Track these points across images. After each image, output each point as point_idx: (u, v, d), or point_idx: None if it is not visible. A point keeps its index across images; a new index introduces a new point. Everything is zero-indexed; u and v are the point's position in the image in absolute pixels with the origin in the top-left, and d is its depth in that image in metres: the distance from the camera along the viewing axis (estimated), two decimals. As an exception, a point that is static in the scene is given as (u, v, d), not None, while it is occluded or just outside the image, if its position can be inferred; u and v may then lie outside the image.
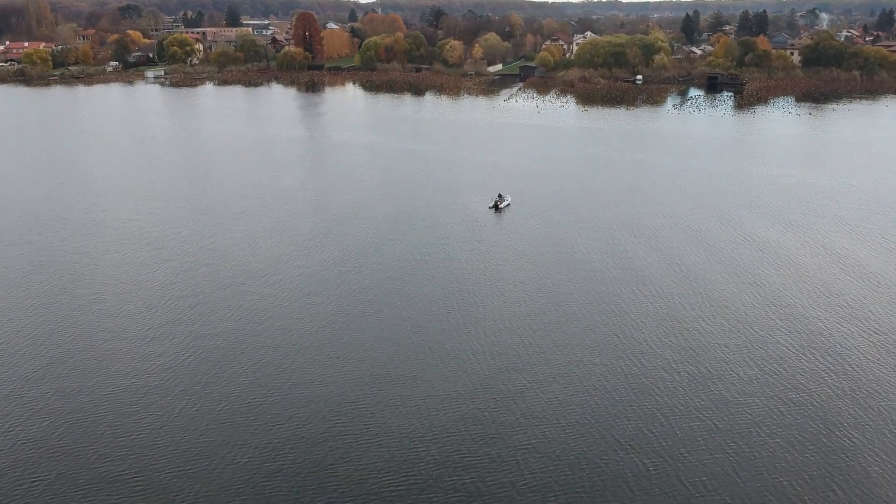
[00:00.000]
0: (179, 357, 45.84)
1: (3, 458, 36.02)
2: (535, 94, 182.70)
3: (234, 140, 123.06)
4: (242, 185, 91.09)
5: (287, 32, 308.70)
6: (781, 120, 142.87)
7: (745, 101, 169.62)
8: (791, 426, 38.32)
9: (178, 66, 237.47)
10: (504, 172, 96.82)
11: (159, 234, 70.62)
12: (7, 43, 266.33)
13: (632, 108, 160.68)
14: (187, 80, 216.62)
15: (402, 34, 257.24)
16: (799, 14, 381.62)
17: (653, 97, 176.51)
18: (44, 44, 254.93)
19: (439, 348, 46.72)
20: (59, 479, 34.46)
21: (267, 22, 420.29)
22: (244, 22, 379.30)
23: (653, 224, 72.98)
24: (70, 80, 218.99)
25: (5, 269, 61.50)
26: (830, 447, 36.66)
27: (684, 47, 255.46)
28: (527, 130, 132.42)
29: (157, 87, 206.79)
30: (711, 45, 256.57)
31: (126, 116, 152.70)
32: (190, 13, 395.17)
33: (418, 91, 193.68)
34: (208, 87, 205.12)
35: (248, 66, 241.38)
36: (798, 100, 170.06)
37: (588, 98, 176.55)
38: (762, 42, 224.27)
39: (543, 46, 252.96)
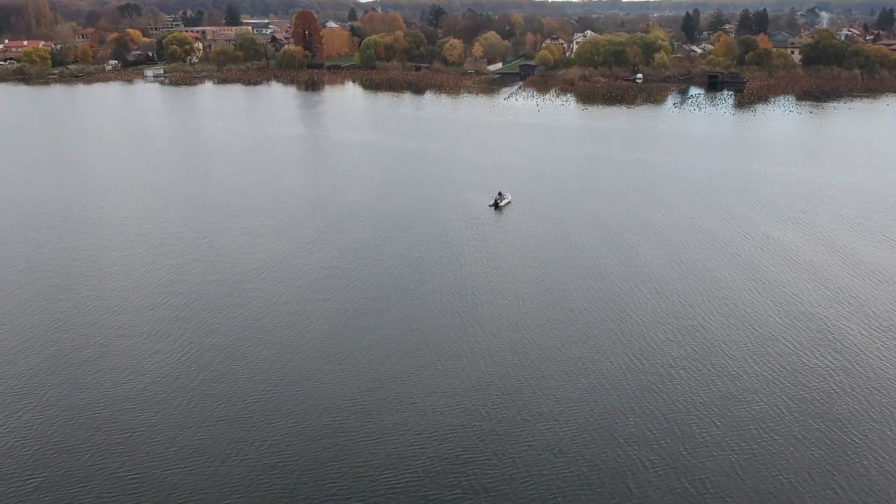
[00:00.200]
0: (179, 354, 45.60)
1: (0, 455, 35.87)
2: (535, 93, 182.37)
3: (233, 139, 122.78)
4: (242, 183, 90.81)
5: (287, 31, 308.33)
6: (782, 118, 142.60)
7: (746, 99, 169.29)
8: (796, 422, 38.08)
9: (177, 64, 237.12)
10: (504, 171, 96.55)
11: (158, 232, 70.34)
12: (6, 42, 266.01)
13: (632, 106, 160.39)
14: (187, 79, 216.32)
15: (401, 33, 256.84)
16: (799, 13, 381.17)
17: (653, 96, 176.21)
18: (43, 42, 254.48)
19: (440, 346, 46.47)
20: (58, 476, 34.23)
21: (266, 21, 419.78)
22: (244, 21, 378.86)
23: (653, 222, 72.72)
24: (69, 78, 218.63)
25: (2, 267, 61.23)
26: (836, 443, 36.43)
27: (684, 46, 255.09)
28: (527, 129, 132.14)
29: (156, 85, 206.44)
30: (712, 44, 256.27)
31: (125, 115, 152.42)
32: (189, 12, 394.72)
33: (418, 90, 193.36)
34: (208, 86, 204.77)
35: (247, 64, 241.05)
36: (798, 98, 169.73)
37: (588, 97, 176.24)
38: (763, 41, 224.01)
39: (543, 45, 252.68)
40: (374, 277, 58.21)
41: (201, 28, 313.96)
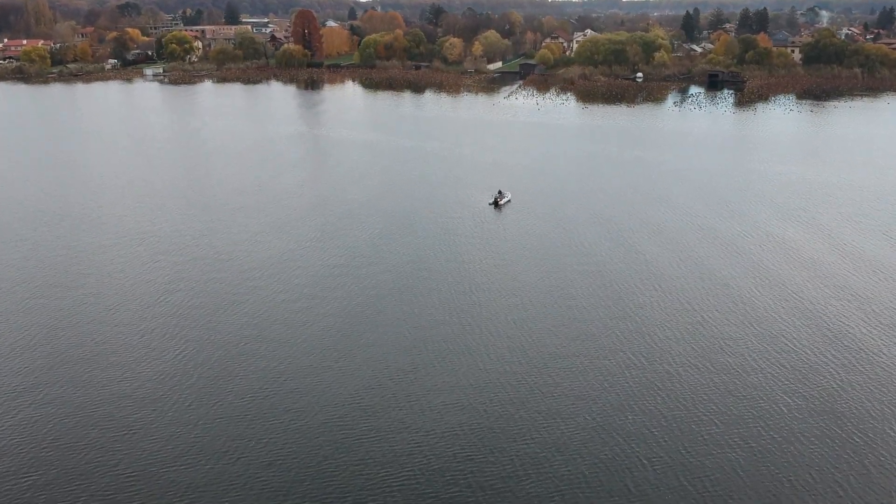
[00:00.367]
0: (178, 353, 45.34)
1: (-4, 456, 35.61)
2: (534, 92, 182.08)
3: (233, 138, 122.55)
4: (242, 182, 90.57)
5: (286, 30, 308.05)
6: (782, 117, 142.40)
7: (746, 98, 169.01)
8: (798, 418, 37.83)
9: (176, 63, 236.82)
10: (504, 169, 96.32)
11: (157, 231, 70.11)
12: (5, 41, 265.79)
13: (632, 105, 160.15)
14: (186, 78, 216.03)
15: (401, 32, 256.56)
16: (799, 12, 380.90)
17: (653, 95, 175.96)
18: (42, 42, 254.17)
19: (439, 344, 46.23)
20: (55, 474, 33.97)
21: (266, 20, 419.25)
22: (243, 20, 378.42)
23: (654, 220, 72.49)
24: (68, 77, 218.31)
25: (0, 265, 60.94)
26: (839, 440, 36.17)
27: (684, 45, 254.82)
28: (526, 128, 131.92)
29: (155, 84, 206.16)
30: (712, 43, 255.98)
31: (124, 114, 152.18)
32: (189, 11, 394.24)
33: (418, 89, 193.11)
34: (207, 85, 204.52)
35: (247, 63, 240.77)
36: (799, 97, 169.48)
37: (588, 95, 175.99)
38: (763, 39, 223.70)
39: (543, 44, 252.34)
40: (374, 276, 57.96)
41: (201, 27, 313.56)
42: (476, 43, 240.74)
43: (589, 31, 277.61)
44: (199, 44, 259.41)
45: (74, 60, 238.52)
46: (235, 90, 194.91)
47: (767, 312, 51.01)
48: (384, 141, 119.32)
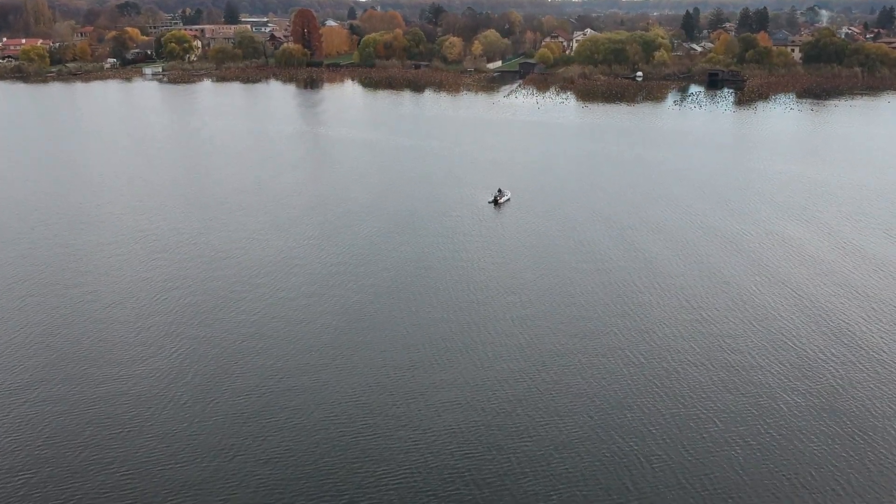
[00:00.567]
0: (176, 352, 45.03)
1: (-10, 454, 35.31)
2: (534, 91, 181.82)
3: (232, 137, 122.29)
4: (241, 182, 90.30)
5: (286, 29, 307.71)
6: (783, 116, 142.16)
7: (746, 97, 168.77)
8: (804, 415, 37.55)
9: (176, 62, 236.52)
10: (504, 168, 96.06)
11: (156, 230, 69.81)
12: (4, 40, 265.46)
13: (632, 104, 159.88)
14: (185, 77, 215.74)
15: (400, 31, 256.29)
16: (799, 12, 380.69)
17: (653, 94, 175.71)
18: (41, 41, 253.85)
19: (438, 342, 45.93)
20: (52, 474, 33.66)
21: (266, 19, 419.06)
22: (243, 19, 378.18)
23: (654, 218, 72.20)
24: (67, 76, 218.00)
25: (-3, 263, 60.80)
26: (847, 439, 35.88)
27: (684, 44, 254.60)
28: (526, 127, 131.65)
29: (154, 83, 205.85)
30: (712, 42, 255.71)
31: (123, 113, 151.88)
32: (188, 10, 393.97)
33: (417, 88, 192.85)
34: (206, 84, 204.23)
35: (246, 62, 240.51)
36: (799, 96, 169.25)
37: (588, 95, 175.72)
38: (763, 39, 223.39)
39: (543, 43, 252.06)
40: (373, 274, 57.66)
41: (200, 26, 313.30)
42: (476, 42, 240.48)
43: (589, 31, 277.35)
44: (198, 43, 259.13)
45: (73, 60, 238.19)
46: (235, 89, 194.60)
47: (768, 310, 50.70)
48: (383, 140, 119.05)
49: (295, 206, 77.97)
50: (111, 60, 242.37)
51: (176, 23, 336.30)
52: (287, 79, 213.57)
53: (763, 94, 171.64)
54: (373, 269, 58.68)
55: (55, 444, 36.00)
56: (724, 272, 57.91)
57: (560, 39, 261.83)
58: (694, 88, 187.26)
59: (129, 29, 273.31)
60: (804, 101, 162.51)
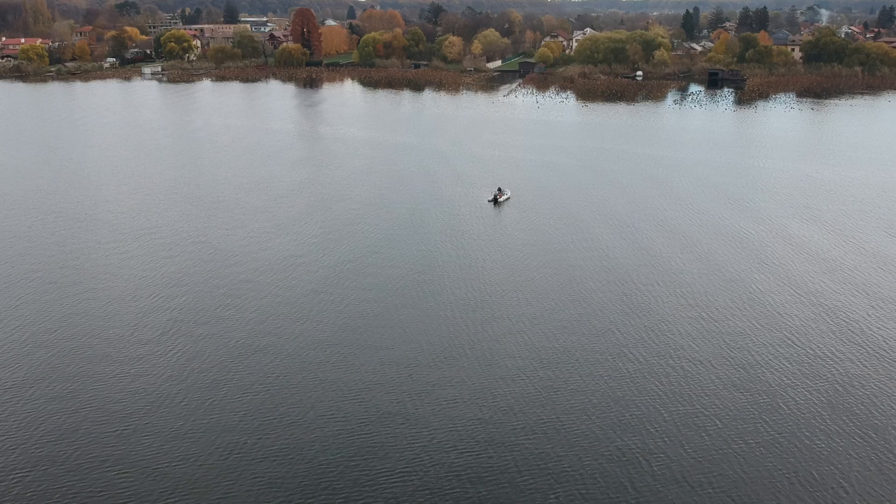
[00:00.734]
0: (175, 352, 44.69)
1: (-15, 455, 34.94)
2: (534, 91, 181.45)
3: (232, 136, 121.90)
4: (242, 181, 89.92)
5: (285, 29, 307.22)
6: (783, 115, 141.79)
7: (746, 96, 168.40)
8: (819, 415, 37.22)
9: (175, 62, 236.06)
10: (503, 167, 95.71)
11: (154, 228, 69.50)
12: (3, 39, 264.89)
13: (632, 103, 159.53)
14: (184, 77, 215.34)
15: (400, 30, 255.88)
16: (799, 11, 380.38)
17: (653, 93, 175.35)
18: (40, 40, 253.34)
19: (440, 343, 45.58)
20: (52, 477, 33.31)
21: (265, 19, 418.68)
22: (242, 19, 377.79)
23: (654, 217, 71.89)
24: (67, 76, 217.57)
25: (-6, 262, 60.44)
26: (859, 438, 35.55)
27: (684, 44, 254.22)
28: (526, 126, 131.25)
29: (154, 83, 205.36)
30: (712, 42, 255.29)
31: (122, 112, 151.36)
32: (188, 10, 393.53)
33: (417, 87, 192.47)
34: (206, 84, 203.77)
35: (245, 62, 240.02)
36: (799, 95, 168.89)
37: (588, 94, 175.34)
38: (763, 38, 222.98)
39: (543, 43, 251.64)
40: (374, 274, 57.32)
41: (199, 26, 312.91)
42: (475, 42, 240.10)
43: (588, 30, 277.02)
44: (197, 43, 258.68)
45: (72, 59, 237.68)
46: (234, 89, 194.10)
47: (773, 305, 50.40)
48: (383, 139, 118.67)
49: (294, 205, 77.61)
50: (110, 60, 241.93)
51: (175, 22, 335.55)
52: (286, 78, 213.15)
53: (763, 94, 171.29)
54: (373, 269, 58.33)
55: (53, 442, 35.64)
56: (728, 268, 57.57)
57: (560, 39, 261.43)
58: (694, 88, 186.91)
59: (128, 28, 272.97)
60: (804, 100, 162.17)
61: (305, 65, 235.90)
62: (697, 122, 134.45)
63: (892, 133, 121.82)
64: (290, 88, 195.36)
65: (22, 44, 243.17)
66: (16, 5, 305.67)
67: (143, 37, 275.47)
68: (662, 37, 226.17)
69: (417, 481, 32.88)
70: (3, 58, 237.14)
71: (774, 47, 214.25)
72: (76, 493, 32.26)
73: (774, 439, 35.81)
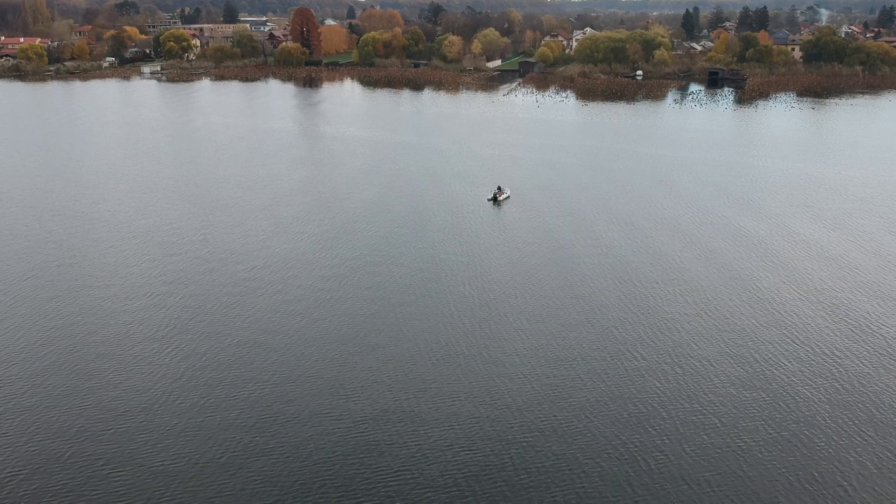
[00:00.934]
0: (178, 351, 44.32)
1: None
2: (534, 90, 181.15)
3: (232, 135, 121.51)
4: (241, 180, 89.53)
5: (285, 29, 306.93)
6: (784, 114, 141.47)
7: (747, 96, 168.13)
8: (835, 417, 36.89)
9: (174, 61, 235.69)
10: (503, 166, 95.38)
11: (152, 227, 69.12)
12: (2, 38, 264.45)
13: (632, 103, 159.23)
14: (184, 76, 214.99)
15: (400, 30, 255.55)
16: (799, 11, 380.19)
17: (653, 92, 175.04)
18: (39, 39, 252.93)
19: (443, 342, 45.21)
20: (54, 483, 32.98)
21: (264, 18, 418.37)
22: (242, 18, 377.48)
23: (654, 216, 71.56)
24: (66, 75, 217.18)
25: (-9, 261, 60.06)
26: (879, 442, 35.25)
27: (684, 43, 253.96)
28: (526, 125, 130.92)
29: (153, 82, 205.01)
30: (712, 41, 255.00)
31: (121, 111, 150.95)
32: (187, 10, 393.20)
33: (417, 87, 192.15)
34: (205, 83, 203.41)
35: (245, 61, 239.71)
36: (799, 95, 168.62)
37: (588, 93, 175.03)
38: (763, 37, 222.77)
39: (543, 42, 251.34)
40: (375, 274, 56.92)
41: (199, 26, 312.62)
42: (475, 41, 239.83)
43: (588, 30, 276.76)
44: (196, 42, 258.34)
45: (72, 58, 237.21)
46: (233, 88, 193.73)
47: (781, 304, 50.05)
48: (382, 138, 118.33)
49: (293, 204, 77.24)
50: (109, 59, 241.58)
51: (175, 22, 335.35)
52: (286, 77, 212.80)
53: (763, 93, 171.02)
54: (372, 267, 57.99)
55: (50, 441, 35.25)
56: (731, 266, 57.23)
57: (560, 38, 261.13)
58: (694, 87, 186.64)
59: (127, 28, 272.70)
60: (805, 99, 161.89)
61: (305, 64, 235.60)
62: (697, 121, 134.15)
63: (893, 132, 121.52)
64: (289, 88, 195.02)
65: (21, 43, 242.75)
66: (15, 5, 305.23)
67: (143, 36, 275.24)
68: (662, 36, 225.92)
69: (420, 479, 32.51)
70: (1, 57, 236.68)
71: (775, 47, 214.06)
72: (74, 492, 31.89)
73: (779, 436, 35.44)
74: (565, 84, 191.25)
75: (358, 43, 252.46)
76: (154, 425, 36.63)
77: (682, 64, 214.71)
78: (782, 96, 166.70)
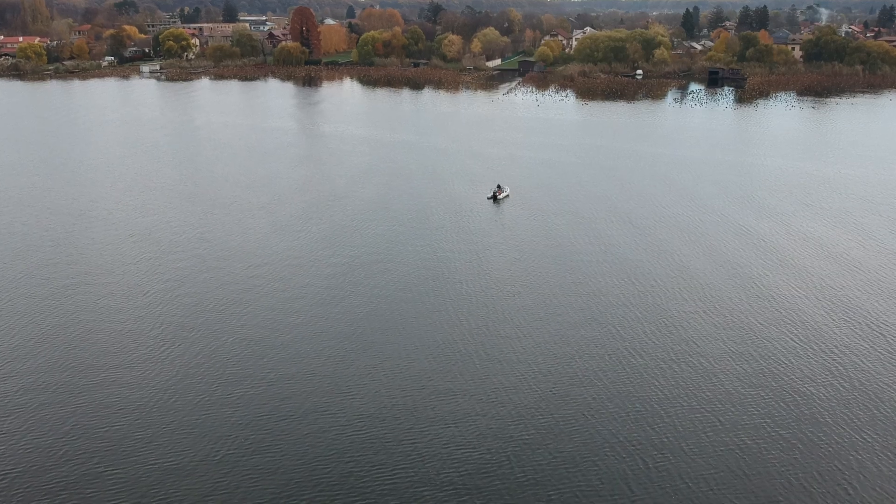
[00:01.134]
0: (178, 352, 44.02)
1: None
2: (534, 89, 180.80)
3: (231, 135, 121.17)
4: (241, 179, 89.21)
5: (284, 28, 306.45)
6: (784, 114, 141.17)
7: (747, 95, 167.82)
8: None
9: (173, 60, 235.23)
10: (503, 164, 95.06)
11: (152, 227, 68.84)
12: (1, 38, 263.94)
13: (632, 102, 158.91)
14: (183, 75, 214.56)
15: (399, 29, 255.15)
16: (799, 10, 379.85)
17: (653, 92, 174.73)
18: (38, 39, 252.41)
19: (445, 342, 44.94)
20: (52, 480, 32.66)
21: (264, 18, 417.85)
22: (241, 18, 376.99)
23: (656, 212, 71.27)
24: (65, 74, 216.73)
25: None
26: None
27: (685, 43, 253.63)
28: (526, 124, 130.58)
29: (152, 81, 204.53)
30: (712, 41, 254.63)
31: (121, 110, 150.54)
32: (187, 9, 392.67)
33: (416, 86, 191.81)
34: (204, 82, 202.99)
35: (244, 60, 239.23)
36: (800, 94, 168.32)
37: (588, 93, 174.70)
38: (763, 37, 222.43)
39: (543, 42, 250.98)
40: (375, 275, 56.62)
41: (198, 25, 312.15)
42: (475, 40, 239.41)
43: (588, 29, 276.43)
44: (196, 41, 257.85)
45: (71, 58, 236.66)
46: (232, 87, 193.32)
47: (786, 300, 49.80)
48: (382, 137, 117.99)
49: (292, 203, 76.93)
50: (108, 58, 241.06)
51: (174, 21, 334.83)
52: (285, 77, 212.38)
53: (764, 92, 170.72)
54: (372, 266, 57.71)
55: (47, 440, 34.97)
56: (733, 263, 56.95)
57: (560, 38, 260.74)
58: (694, 86, 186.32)
59: (126, 27, 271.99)
60: (805, 98, 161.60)
61: (304, 63, 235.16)
62: (697, 120, 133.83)
63: (893, 131, 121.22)
64: (288, 87, 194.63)
65: (20, 42, 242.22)
66: (14, 4, 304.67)
67: (142, 35, 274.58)
68: (662, 35, 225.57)
69: (420, 477, 32.23)
70: (0, 56, 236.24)
71: (775, 46, 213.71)
72: (69, 489, 31.59)
73: (782, 434, 35.18)
74: (565, 83, 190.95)
75: (357, 42, 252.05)
76: (150, 422, 36.36)
77: (682, 63, 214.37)
78: (782, 95, 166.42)
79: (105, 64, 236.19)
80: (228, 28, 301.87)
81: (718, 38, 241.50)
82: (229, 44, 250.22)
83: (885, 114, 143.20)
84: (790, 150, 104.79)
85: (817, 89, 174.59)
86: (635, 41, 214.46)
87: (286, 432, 35.58)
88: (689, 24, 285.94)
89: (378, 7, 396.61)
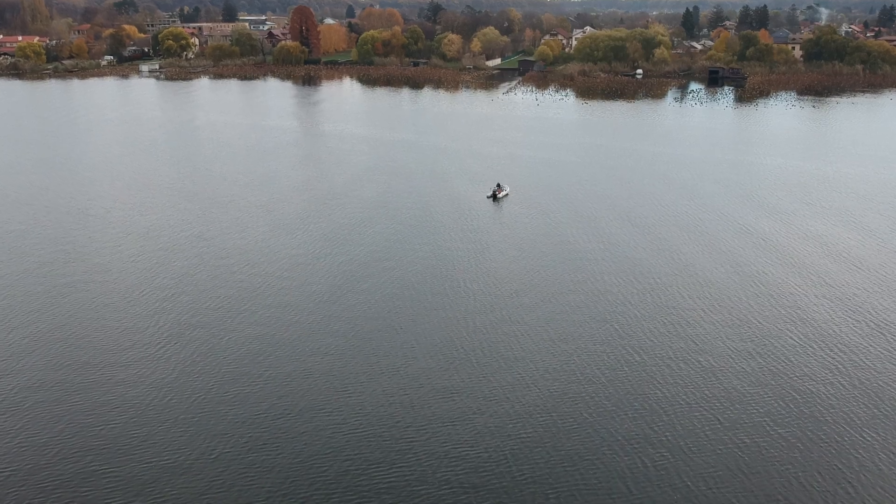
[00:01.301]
0: (179, 352, 43.82)
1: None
2: (534, 88, 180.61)
3: (231, 134, 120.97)
4: (240, 179, 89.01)
5: (284, 27, 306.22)
6: (784, 113, 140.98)
7: (747, 94, 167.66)
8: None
9: (173, 60, 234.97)
10: (503, 163, 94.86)
11: (151, 227, 68.64)
12: (0, 37, 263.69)
13: (632, 101, 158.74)
14: (182, 74, 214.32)
15: (399, 28, 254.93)
16: (799, 10, 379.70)
17: (653, 91, 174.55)
18: (38, 38, 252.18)
19: (436, 337, 44.74)
20: (51, 483, 32.45)
21: (264, 17, 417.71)
22: (241, 17, 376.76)
23: (656, 212, 71.06)
24: (64, 73, 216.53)
25: (-15, 258, 59.50)
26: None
27: (685, 42, 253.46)
28: (525, 123, 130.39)
29: (152, 80, 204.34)
30: (712, 41, 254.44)
31: (120, 109, 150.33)
32: (187, 8, 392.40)
33: (416, 85, 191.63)
34: (204, 81, 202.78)
35: (243, 60, 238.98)
36: (800, 94, 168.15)
37: (588, 92, 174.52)
38: (764, 36, 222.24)
39: (542, 41, 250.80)
40: (375, 275, 56.40)
41: (198, 24, 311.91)
42: (475, 40, 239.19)
43: (588, 29, 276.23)
44: (195, 40, 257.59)
45: (70, 57, 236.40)
46: (232, 86, 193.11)
47: (791, 298, 49.60)
48: (381, 136, 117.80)
49: (292, 202, 76.75)
50: (108, 58, 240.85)
51: (174, 21, 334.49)
52: (285, 76, 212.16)
53: (764, 92, 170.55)
54: (371, 265, 57.53)
55: (45, 439, 34.75)
56: (736, 260, 56.79)
57: (560, 37, 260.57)
58: (694, 86, 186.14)
59: (126, 26, 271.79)
60: (805, 98, 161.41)
61: (304, 63, 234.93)
62: (698, 119, 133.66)
63: (894, 130, 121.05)
64: (288, 86, 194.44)
65: (19, 41, 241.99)
66: (13, 3, 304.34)
67: (142, 35, 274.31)
68: (662, 35, 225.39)
69: (419, 476, 32.02)
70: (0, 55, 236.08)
71: (775, 46, 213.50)
72: (65, 487, 31.39)
73: (786, 432, 34.97)
74: (565, 82, 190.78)
75: (357, 41, 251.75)
76: (147, 420, 36.16)
77: (683, 63, 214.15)
78: (783, 95, 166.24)
79: (104, 63, 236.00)
80: (228, 27, 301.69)
81: (718, 37, 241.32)
82: (229, 43, 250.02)
83: (885, 113, 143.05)
84: (790, 149, 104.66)
85: (817, 89, 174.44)
86: (635, 40, 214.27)
87: (284, 430, 35.39)
88: (689, 24, 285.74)
89: (378, 6, 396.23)
